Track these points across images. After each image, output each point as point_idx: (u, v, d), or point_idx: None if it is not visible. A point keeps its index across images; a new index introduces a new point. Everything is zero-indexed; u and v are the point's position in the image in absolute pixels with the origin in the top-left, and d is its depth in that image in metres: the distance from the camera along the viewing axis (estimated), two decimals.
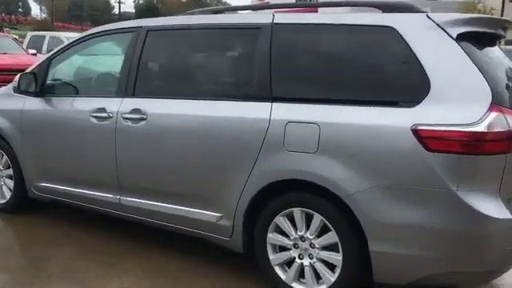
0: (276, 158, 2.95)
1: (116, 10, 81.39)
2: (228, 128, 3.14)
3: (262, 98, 3.07)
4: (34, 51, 12.24)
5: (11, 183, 4.44)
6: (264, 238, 3.10)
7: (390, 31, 2.77)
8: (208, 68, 3.56)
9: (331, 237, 2.86)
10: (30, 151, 4.19)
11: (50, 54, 4.24)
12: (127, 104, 3.59)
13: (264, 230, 3.09)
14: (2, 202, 4.53)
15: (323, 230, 2.91)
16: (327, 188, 2.80)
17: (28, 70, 4.26)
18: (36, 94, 4.13)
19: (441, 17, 2.74)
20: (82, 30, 45.80)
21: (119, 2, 61.09)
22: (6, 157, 4.42)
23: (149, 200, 3.57)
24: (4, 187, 4.53)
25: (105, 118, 3.67)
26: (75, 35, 15.30)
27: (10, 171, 4.42)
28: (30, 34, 14.47)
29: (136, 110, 3.52)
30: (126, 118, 3.56)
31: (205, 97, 3.34)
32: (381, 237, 2.69)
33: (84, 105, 3.85)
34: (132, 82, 3.63)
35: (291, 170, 2.91)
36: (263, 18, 3.22)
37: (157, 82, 3.72)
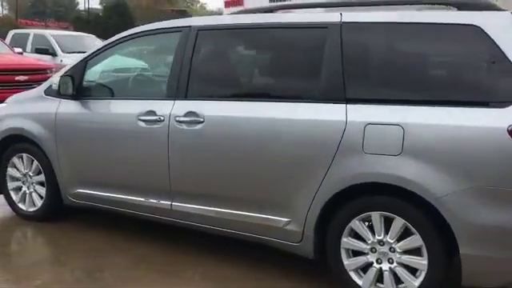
0: (354, 161, 2.88)
1: (80, 7, 79.53)
2: (298, 131, 3.05)
3: (335, 100, 2.98)
4: (19, 50, 11.83)
5: (42, 190, 4.24)
6: (338, 242, 3.03)
7: (475, 30, 2.72)
8: (270, 69, 3.44)
9: (415, 240, 2.80)
10: (66, 156, 4.00)
11: (85, 55, 4.05)
12: (180, 106, 3.45)
13: (338, 234, 3.02)
14: (33, 209, 4.33)
15: (404, 234, 2.85)
16: (413, 191, 2.74)
17: (63, 72, 4.05)
18: (73, 97, 3.94)
19: None
20: (46, 27, 44.56)
21: None
22: (36, 162, 4.21)
23: (205, 206, 3.44)
24: (34, 194, 4.32)
25: (155, 121, 3.52)
26: (61, 33, 14.92)
27: (41, 177, 4.22)
28: (12, 32, 13.97)
29: (191, 113, 3.39)
30: (181, 121, 3.42)
31: (268, 98, 3.24)
32: (472, 240, 2.64)
33: (129, 107, 3.69)
34: (184, 84, 3.49)
35: (372, 173, 2.84)
36: (330, 16, 3.13)
37: (213, 84, 3.58)
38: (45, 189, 4.22)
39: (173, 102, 3.50)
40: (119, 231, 4.10)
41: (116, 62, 4.15)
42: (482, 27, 2.71)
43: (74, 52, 12.58)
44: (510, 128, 2.53)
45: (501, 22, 2.73)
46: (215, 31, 3.54)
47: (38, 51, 12.41)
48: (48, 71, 10.26)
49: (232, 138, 3.27)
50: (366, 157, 2.84)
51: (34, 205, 4.32)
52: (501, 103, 2.60)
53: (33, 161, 4.25)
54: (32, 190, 4.32)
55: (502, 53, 2.63)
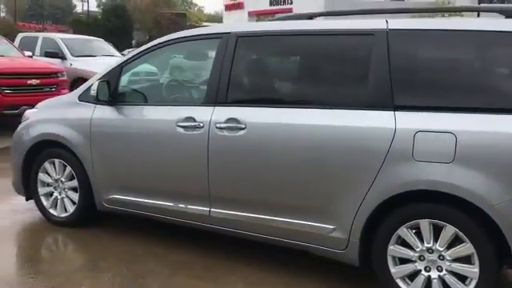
0: (404, 169, 2.88)
1: (78, 9, 79.38)
2: (345, 138, 3.05)
3: (382, 107, 2.99)
4: (29, 53, 11.80)
5: (74, 195, 4.23)
6: (384, 250, 3.03)
7: None
8: (314, 75, 3.43)
9: (466, 249, 2.80)
10: (100, 162, 3.99)
11: (121, 60, 4.04)
12: (220, 113, 3.45)
13: (385, 242, 3.02)
14: (65, 215, 4.32)
15: (454, 242, 2.85)
16: (465, 199, 2.74)
17: (98, 78, 4.05)
18: (108, 103, 3.94)
19: None
20: (44, 30, 44.26)
21: (87, 2, 59.80)
22: (69, 168, 4.21)
23: (246, 212, 3.44)
24: (66, 200, 4.31)
25: (195, 128, 3.52)
26: (70, 36, 14.90)
27: (74, 183, 4.21)
28: (20, 36, 13.95)
29: (232, 119, 3.39)
30: (221, 128, 3.42)
31: (313, 105, 3.24)
32: None
33: (167, 114, 3.69)
34: (224, 90, 3.49)
35: (423, 181, 2.84)
36: (376, 23, 3.13)
37: (254, 90, 3.60)
38: (78, 194, 4.21)
39: (212, 108, 3.50)
40: (152, 236, 4.10)
41: (152, 68, 4.13)
42: None
43: (83, 56, 12.60)
44: None
45: None
46: (256, 38, 3.54)
47: (48, 55, 12.38)
48: (59, 75, 10.24)
49: (275, 144, 3.26)
50: (417, 164, 2.84)
51: (66, 210, 4.31)
52: None
53: (66, 166, 4.24)
54: (64, 195, 4.31)
55: None
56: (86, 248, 3.97)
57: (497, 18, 3.01)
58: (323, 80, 3.38)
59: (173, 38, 3.87)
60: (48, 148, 4.30)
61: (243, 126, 3.35)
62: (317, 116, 3.17)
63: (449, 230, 2.83)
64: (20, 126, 4.52)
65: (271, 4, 31.26)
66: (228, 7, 35.03)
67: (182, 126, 3.58)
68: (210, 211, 3.58)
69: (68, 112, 4.20)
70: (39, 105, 4.59)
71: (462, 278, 2.86)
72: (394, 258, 3.02)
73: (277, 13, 26.30)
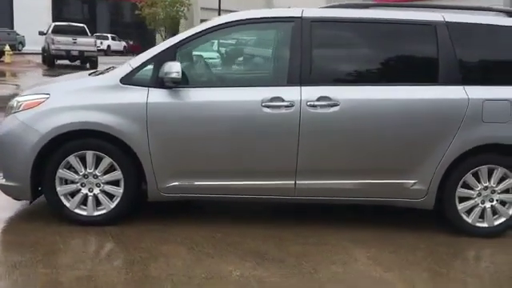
0: (476, 129, 3.82)
1: None
2: (428, 108, 3.81)
3: (453, 82, 3.85)
4: None
5: (114, 189, 3.83)
6: (454, 191, 3.94)
7: None
8: (393, 58, 4.00)
9: (510, 183, 3.92)
10: (162, 150, 3.74)
11: (175, 40, 3.81)
12: (310, 92, 3.76)
13: (455, 186, 3.93)
14: (99, 213, 3.86)
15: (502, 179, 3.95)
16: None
17: (147, 58, 3.74)
18: (166, 86, 3.71)
19: None
20: None
21: None
22: (109, 160, 3.77)
23: (336, 180, 3.87)
24: (101, 196, 3.84)
25: (285, 107, 3.73)
26: None
27: (115, 175, 3.80)
28: None
29: (324, 98, 3.75)
30: (314, 105, 3.74)
31: (397, 83, 3.87)
32: None
33: (249, 95, 3.76)
34: (307, 71, 3.79)
35: (490, 137, 3.84)
36: (435, 16, 3.95)
37: (339, 71, 3.95)
38: (121, 188, 3.82)
39: (299, 88, 3.76)
40: (193, 222, 4.08)
41: (215, 49, 3.99)
42: None
43: None
44: None
45: None
46: (330, 23, 3.91)
47: None
48: None
49: (367, 117, 3.79)
50: (485, 125, 3.82)
51: (100, 208, 3.86)
52: None
53: (102, 159, 3.78)
54: (97, 191, 3.84)
55: None
56: (138, 247, 3.58)
57: None
58: (402, 61, 4.02)
59: (237, 19, 3.88)
60: (75, 140, 3.75)
61: (337, 103, 3.75)
62: (402, 92, 3.83)
63: (497, 172, 3.88)
64: (20, 117, 3.76)
65: None
66: None
67: (268, 106, 3.73)
68: (295, 183, 3.86)
69: (107, 97, 3.73)
70: (49, 90, 3.86)
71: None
72: (460, 198, 3.97)
73: None
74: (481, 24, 4.01)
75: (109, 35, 39.68)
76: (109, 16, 46.59)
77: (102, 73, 4.21)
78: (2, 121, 3.96)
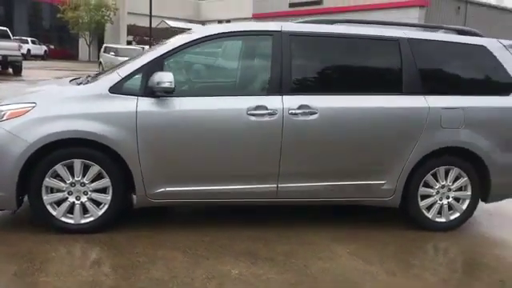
0: (436, 134, 4.27)
1: None
2: (395, 115, 4.22)
3: (415, 92, 4.29)
4: None
5: (101, 197, 3.90)
6: (416, 191, 4.38)
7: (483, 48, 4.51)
8: (363, 70, 4.36)
9: (463, 182, 4.43)
10: (151, 157, 3.85)
11: (162, 51, 3.94)
12: (291, 101, 4.04)
13: (417, 185, 4.37)
14: (86, 220, 3.91)
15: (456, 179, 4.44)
16: (468, 149, 4.34)
17: (136, 68, 3.85)
18: (155, 95, 3.84)
19: (504, 42, 4.64)
20: None
21: None
22: (97, 168, 3.83)
23: (313, 182, 4.17)
24: (88, 203, 3.89)
25: (268, 114, 3.98)
26: None
27: (102, 183, 3.87)
28: None
29: (304, 106, 4.04)
30: (295, 113, 4.02)
31: (365, 93, 4.24)
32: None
33: (234, 103, 3.97)
34: (288, 81, 4.07)
35: (447, 141, 4.31)
36: (398, 33, 4.38)
37: (316, 81, 4.25)
38: (109, 195, 3.90)
39: (280, 97, 4.03)
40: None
41: (200, 60, 4.15)
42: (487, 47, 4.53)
43: None
44: None
45: (497, 44, 4.60)
46: (307, 37, 4.22)
47: None
48: None
49: (342, 123, 4.13)
50: (442, 130, 4.28)
51: (87, 215, 3.91)
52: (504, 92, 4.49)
53: (89, 167, 3.84)
54: (85, 199, 3.89)
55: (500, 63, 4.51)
56: (131, 254, 3.74)
57: None
58: (371, 74, 4.39)
59: (220, 31, 4.10)
60: (63, 148, 3.78)
61: (315, 111, 4.06)
62: (371, 101, 4.21)
63: (452, 171, 4.38)
64: (5, 126, 3.72)
65: None
66: None
67: (253, 114, 3.96)
68: (277, 187, 4.12)
69: (96, 106, 3.79)
70: (34, 99, 3.84)
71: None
72: (421, 196, 4.41)
73: None
74: (436, 40, 4.50)
75: (29, 39, 37.89)
76: (27, 18, 44.59)
77: (85, 81, 4.26)
78: None
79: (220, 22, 50.50)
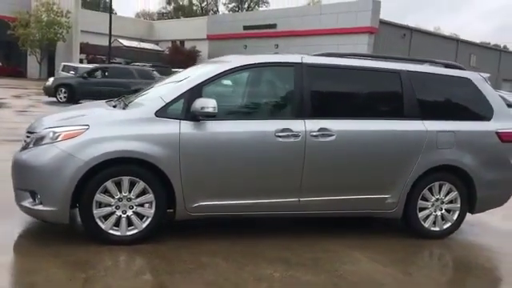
0: (433, 154, 4.94)
1: None
2: (400, 137, 4.86)
3: (415, 117, 4.96)
4: None
5: (145, 210, 4.29)
6: (416, 203, 5.02)
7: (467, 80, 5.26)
8: (373, 97, 5.00)
9: (453, 195, 5.12)
10: (190, 174, 4.28)
11: (201, 80, 4.41)
12: (312, 124, 4.60)
13: (417, 199, 5.01)
14: (132, 232, 4.27)
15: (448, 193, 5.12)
16: (458, 166, 5.04)
17: (178, 95, 4.31)
18: (194, 119, 4.30)
19: (483, 75, 5.42)
20: None
21: None
22: (143, 184, 4.23)
23: (330, 196, 4.73)
24: (134, 217, 4.27)
25: (293, 136, 4.52)
26: None
27: (146, 198, 4.26)
28: None
29: (323, 129, 4.61)
30: (316, 135, 4.58)
31: (374, 117, 4.86)
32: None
33: (264, 126, 4.48)
34: (309, 107, 4.64)
35: (441, 160, 4.99)
36: (399, 66, 5.06)
37: (333, 107, 4.83)
38: (153, 209, 4.28)
39: (303, 121, 4.59)
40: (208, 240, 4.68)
41: (234, 87, 4.62)
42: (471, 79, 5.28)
43: None
44: (495, 131, 5.18)
45: (478, 77, 5.36)
46: (325, 69, 4.81)
47: None
48: None
49: (356, 144, 4.72)
50: (438, 150, 4.96)
51: (131, 228, 4.27)
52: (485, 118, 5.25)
53: (135, 183, 4.22)
54: (131, 212, 4.26)
55: (481, 93, 5.27)
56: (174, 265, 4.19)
57: None
58: (377, 99, 5.04)
59: (249, 63, 4.64)
60: (113, 167, 4.15)
61: (333, 134, 4.63)
62: (379, 124, 4.83)
63: (448, 186, 5.07)
64: (61, 146, 4.06)
65: None
66: None
67: (280, 136, 4.49)
68: (299, 200, 4.64)
69: (145, 128, 4.20)
70: (87, 121, 4.19)
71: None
72: (419, 208, 5.05)
73: None
74: (429, 72, 5.21)
75: None
76: None
77: (121, 103, 4.68)
78: (34, 149, 4.20)
79: (173, 42, 51.04)
